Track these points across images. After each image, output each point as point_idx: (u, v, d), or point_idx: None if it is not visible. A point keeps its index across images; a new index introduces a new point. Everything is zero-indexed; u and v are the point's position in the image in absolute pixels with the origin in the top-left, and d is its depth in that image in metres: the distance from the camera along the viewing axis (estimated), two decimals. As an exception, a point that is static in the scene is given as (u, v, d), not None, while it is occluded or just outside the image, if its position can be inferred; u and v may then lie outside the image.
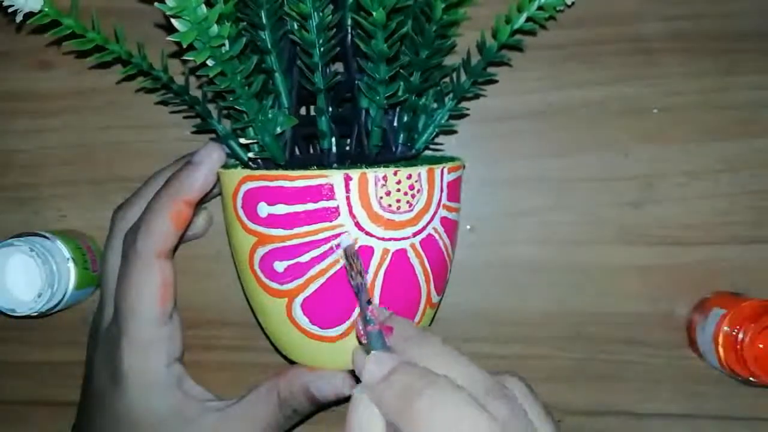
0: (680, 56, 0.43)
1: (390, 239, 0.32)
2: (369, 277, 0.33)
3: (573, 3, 0.37)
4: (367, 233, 0.32)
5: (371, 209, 0.32)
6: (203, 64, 0.31)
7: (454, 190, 0.35)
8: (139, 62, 0.36)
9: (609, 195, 0.44)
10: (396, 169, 0.32)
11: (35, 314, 0.41)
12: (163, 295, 0.34)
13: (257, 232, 0.33)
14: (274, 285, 0.34)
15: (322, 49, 0.33)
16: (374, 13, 0.31)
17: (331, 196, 0.32)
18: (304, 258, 0.32)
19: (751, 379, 0.39)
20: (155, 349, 0.34)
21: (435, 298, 0.36)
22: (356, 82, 0.35)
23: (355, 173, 0.31)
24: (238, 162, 0.37)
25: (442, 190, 0.34)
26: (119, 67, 0.46)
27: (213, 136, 0.39)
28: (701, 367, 0.44)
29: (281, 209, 0.32)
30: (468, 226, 0.45)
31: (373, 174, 0.32)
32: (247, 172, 0.33)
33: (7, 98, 0.46)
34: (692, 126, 0.44)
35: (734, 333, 0.39)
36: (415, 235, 0.33)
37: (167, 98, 0.39)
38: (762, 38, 0.43)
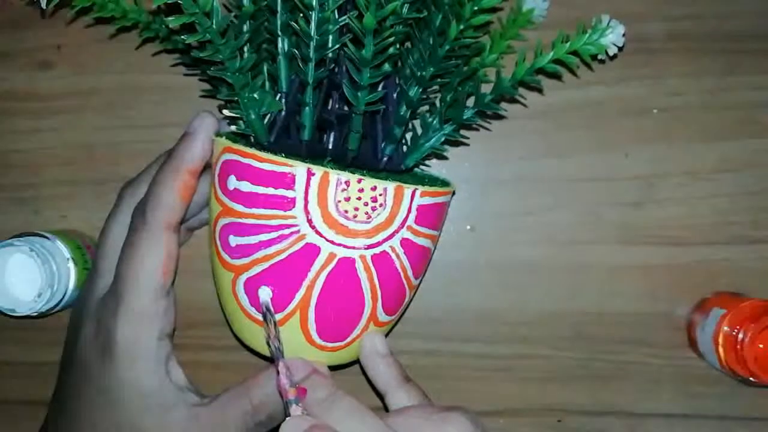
0: (680, 56, 0.44)
1: (339, 245, 0.32)
2: (310, 276, 0.32)
3: (615, 55, 0.36)
4: (317, 232, 0.32)
5: (326, 210, 0.32)
6: (188, 30, 0.31)
7: (428, 215, 0.34)
8: (158, 27, 0.38)
9: (609, 195, 0.44)
10: (361, 177, 0.32)
11: (35, 314, 0.41)
12: (167, 267, 0.34)
13: (223, 202, 0.34)
14: (226, 257, 0.34)
15: (318, 43, 0.33)
16: (364, 17, 0.30)
17: (290, 186, 0.32)
18: (254, 239, 0.33)
19: (751, 379, 0.39)
20: (150, 322, 0.34)
21: (383, 317, 0.35)
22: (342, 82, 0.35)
23: (318, 170, 0.31)
24: (233, 132, 0.37)
25: (409, 212, 0.33)
26: (120, 66, 0.46)
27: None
28: (701, 367, 0.44)
29: (245, 186, 0.33)
30: (468, 226, 0.45)
31: (336, 176, 0.31)
32: (229, 143, 0.34)
33: (7, 98, 0.46)
34: (692, 126, 0.44)
35: (734, 333, 0.39)
36: (368, 247, 0.33)
37: (183, 61, 0.40)
38: (762, 38, 0.43)
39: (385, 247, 0.33)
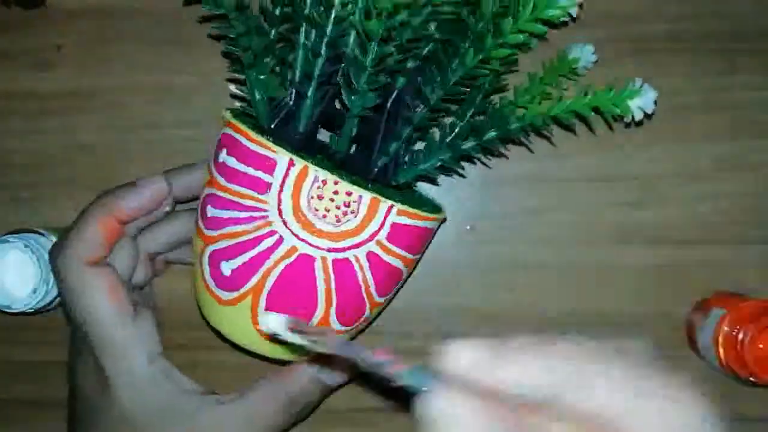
0: (680, 56, 0.43)
1: (303, 240, 0.32)
2: (268, 263, 0.32)
3: (641, 121, 0.35)
4: (284, 222, 0.32)
5: (298, 203, 0.32)
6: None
7: (403, 235, 0.34)
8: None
9: (609, 195, 0.44)
10: (338, 179, 0.32)
11: (31, 310, 0.41)
12: (112, 297, 0.34)
13: (211, 172, 0.35)
14: (201, 226, 0.35)
15: (330, 40, 0.33)
16: (370, 22, 0.30)
17: (269, 172, 0.32)
18: (225, 214, 0.33)
19: (751, 379, 0.39)
20: (131, 350, 0.34)
21: (336, 326, 0.35)
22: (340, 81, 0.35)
23: (299, 162, 0.32)
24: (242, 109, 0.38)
25: (382, 227, 0.33)
26: (120, 66, 0.46)
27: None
28: (701, 367, 0.44)
29: (230, 161, 0.33)
30: (468, 226, 0.45)
31: (314, 172, 0.32)
32: (230, 117, 0.34)
33: (7, 98, 0.46)
34: (692, 126, 0.44)
35: (734, 333, 0.39)
36: (330, 250, 0.32)
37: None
38: (762, 38, 0.43)
39: (349, 255, 0.33)
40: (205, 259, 0.34)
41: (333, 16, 0.33)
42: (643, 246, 0.44)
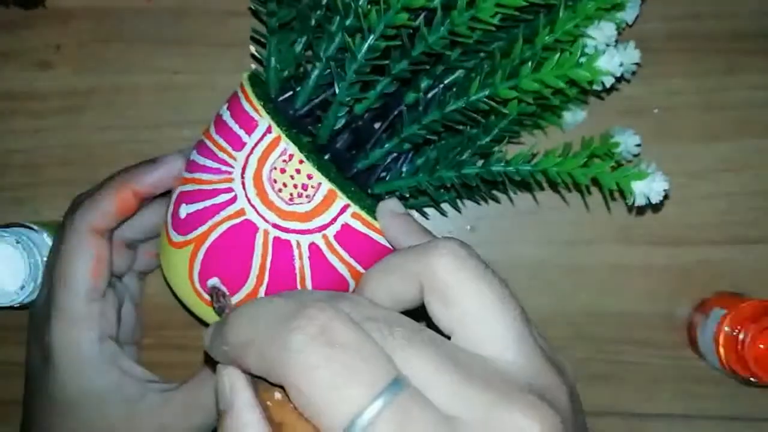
0: (680, 56, 0.43)
1: (252, 206, 0.32)
2: (217, 218, 0.33)
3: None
4: (243, 183, 0.32)
5: (261, 170, 0.32)
6: None
7: (355, 241, 0.33)
8: None
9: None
10: (304, 158, 0.31)
11: (17, 305, 0.41)
12: (96, 269, 0.34)
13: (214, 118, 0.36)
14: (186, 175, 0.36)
15: (347, 25, 0.33)
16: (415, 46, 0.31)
17: (249, 132, 0.32)
18: (201, 160, 0.34)
19: (751, 379, 0.39)
20: (85, 324, 0.34)
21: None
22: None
23: (276, 131, 0.32)
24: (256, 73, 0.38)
25: (332, 222, 0.32)
26: (120, 66, 0.46)
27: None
28: (701, 367, 0.44)
29: (225, 115, 0.34)
30: (468, 226, 0.45)
31: (285, 143, 0.32)
32: (245, 81, 0.35)
33: (7, 98, 0.46)
34: (692, 126, 0.44)
35: (735, 333, 0.39)
36: (275, 226, 0.32)
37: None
38: (762, 38, 0.43)
39: (292, 238, 0.32)
40: (173, 197, 0.35)
41: (367, 44, 0.32)
42: (643, 246, 0.44)
